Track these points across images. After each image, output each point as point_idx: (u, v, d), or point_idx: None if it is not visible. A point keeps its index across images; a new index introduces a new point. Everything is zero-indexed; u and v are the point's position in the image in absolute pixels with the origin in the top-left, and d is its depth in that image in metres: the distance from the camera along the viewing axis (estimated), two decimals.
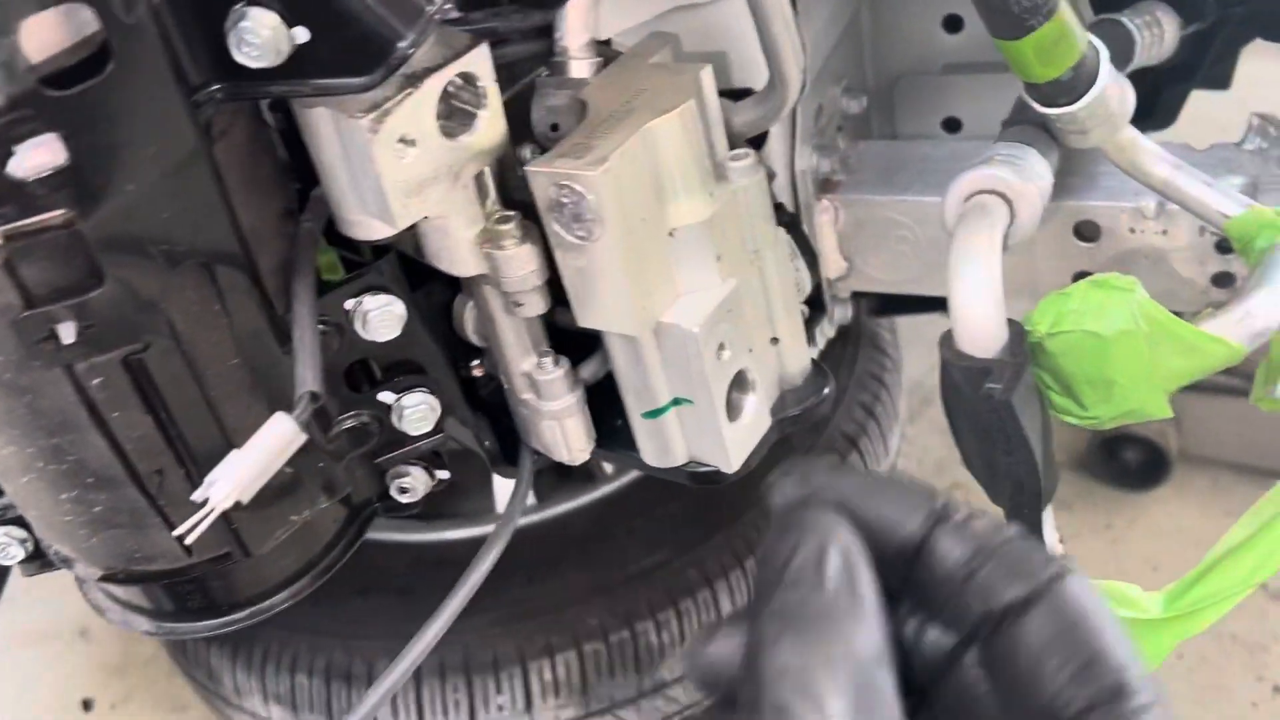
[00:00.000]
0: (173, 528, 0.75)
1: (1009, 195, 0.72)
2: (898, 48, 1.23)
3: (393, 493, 0.86)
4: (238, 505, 0.74)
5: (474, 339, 0.86)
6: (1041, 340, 0.69)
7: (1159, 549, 2.06)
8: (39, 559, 0.87)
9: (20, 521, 0.84)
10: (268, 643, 1.71)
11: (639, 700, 1.68)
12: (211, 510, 0.60)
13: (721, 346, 0.78)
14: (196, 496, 0.60)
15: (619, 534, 1.71)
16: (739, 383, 0.82)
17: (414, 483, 0.86)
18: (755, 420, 0.84)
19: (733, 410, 0.82)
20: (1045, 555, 0.44)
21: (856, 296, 1.21)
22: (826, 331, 1.17)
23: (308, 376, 0.65)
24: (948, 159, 1.13)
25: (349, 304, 0.76)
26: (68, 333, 0.62)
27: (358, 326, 0.76)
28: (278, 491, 0.77)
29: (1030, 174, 0.74)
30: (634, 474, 1.70)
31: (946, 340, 0.68)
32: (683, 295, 0.79)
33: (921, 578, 0.44)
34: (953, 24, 1.20)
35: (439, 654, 1.66)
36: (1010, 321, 0.68)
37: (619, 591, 1.66)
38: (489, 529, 1.84)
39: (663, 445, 0.84)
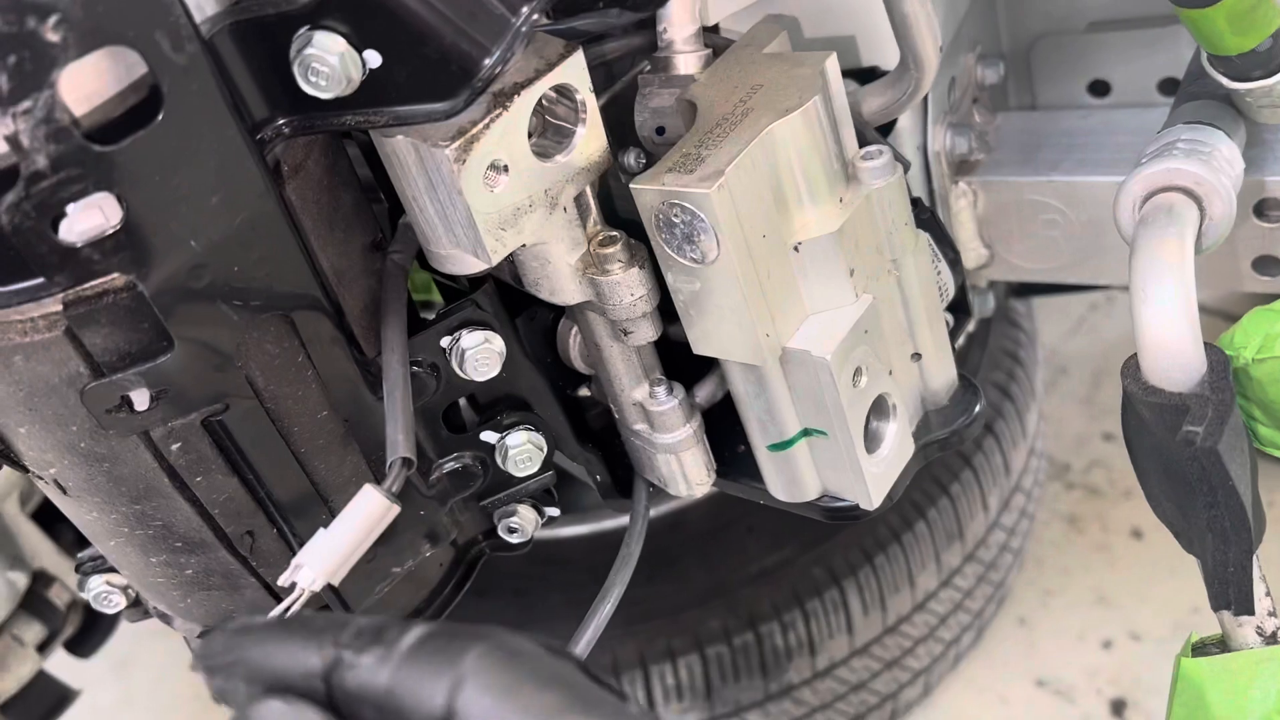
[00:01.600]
0: (269, 588, 0.70)
1: (1198, 192, 0.61)
2: (1036, 5, 1.10)
3: (501, 533, 0.80)
4: None
5: (580, 366, 0.78)
6: (1246, 366, 0.58)
7: None
8: (141, 605, 0.84)
9: None
10: None
11: (765, 704, 1.61)
12: (300, 595, 0.54)
13: (858, 372, 0.69)
14: (283, 581, 0.55)
15: (739, 531, 1.64)
16: (878, 409, 0.73)
17: (522, 522, 0.80)
18: (897, 449, 0.75)
19: (871, 440, 0.73)
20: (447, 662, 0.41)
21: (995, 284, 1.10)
22: (966, 328, 1.07)
23: (400, 440, 0.58)
24: (1100, 130, 1.01)
25: (444, 341, 0.69)
26: (140, 399, 0.56)
27: (455, 366, 0.69)
28: (376, 545, 0.71)
29: (1220, 164, 0.63)
30: None
31: (1131, 370, 0.58)
32: (811, 315, 0.70)
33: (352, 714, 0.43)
34: None
35: None
36: (1209, 347, 0.57)
37: (741, 592, 1.59)
38: (602, 525, 1.79)
39: (792, 479, 0.76)
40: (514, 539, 0.80)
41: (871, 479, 0.73)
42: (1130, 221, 0.63)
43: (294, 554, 0.66)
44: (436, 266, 0.65)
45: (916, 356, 0.76)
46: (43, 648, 1.46)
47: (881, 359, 0.72)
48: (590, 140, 0.63)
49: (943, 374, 0.78)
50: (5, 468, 1.38)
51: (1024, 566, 1.91)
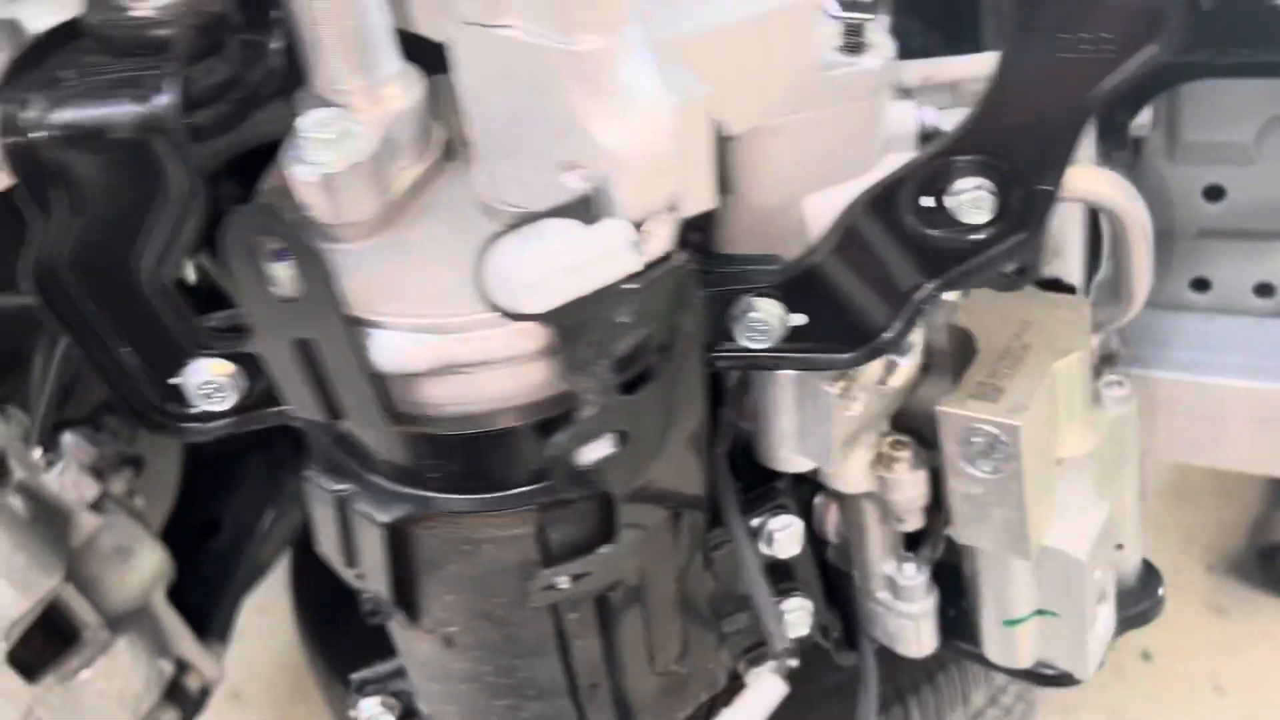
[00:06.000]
0: None
1: None
2: (1154, 212, 1.26)
3: (746, 679, 0.90)
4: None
5: (831, 537, 0.90)
6: None
7: None
8: None
9: (396, 694, 0.89)
10: None
11: None
12: None
13: (1097, 568, 0.82)
14: None
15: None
16: (1098, 595, 0.86)
17: (760, 674, 0.90)
18: (1107, 626, 0.87)
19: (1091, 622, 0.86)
20: None
21: None
22: None
23: (777, 631, 0.69)
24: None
25: (754, 521, 0.80)
26: (564, 580, 0.67)
27: (762, 544, 0.80)
28: (672, 690, 0.81)
29: None
30: None
31: None
32: (1056, 517, 0.83)
33: None
34: (1215, 193, 1.23)
35: None
36: None
37: None
38: None
39: (1013, 648, 0.88)
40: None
41: (1092, 654, 0.85)
42: None
43: (615, 702, 0.77)
44: (767, 463, 0.77)
45: (1119, 547, 0.89)
46: None
47: (1109, 555, 0.85)
48: (912, 366, 0.76)
49: (1134, 560, 0.92)
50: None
51: None
